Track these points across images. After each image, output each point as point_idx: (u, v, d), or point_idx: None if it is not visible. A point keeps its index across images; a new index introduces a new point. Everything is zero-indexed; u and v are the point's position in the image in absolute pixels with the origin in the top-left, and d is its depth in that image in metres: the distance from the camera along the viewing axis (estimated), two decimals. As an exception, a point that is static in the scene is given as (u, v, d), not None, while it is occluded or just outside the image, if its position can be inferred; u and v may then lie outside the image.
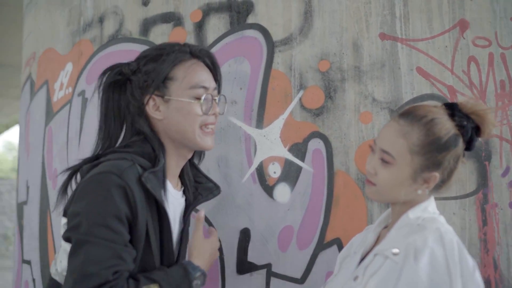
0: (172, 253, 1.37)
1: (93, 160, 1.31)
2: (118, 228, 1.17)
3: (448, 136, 1.18)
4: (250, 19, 1.92)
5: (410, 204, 1.23)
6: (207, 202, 1.79)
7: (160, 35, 2.07)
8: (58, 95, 2.42)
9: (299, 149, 1.80)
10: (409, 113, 1.23)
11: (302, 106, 1.82)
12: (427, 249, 1.09)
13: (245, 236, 1.82)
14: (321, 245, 1.74)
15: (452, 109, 1.22)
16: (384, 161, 1.21)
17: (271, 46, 1.88)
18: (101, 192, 1.18)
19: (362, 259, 1.26)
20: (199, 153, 1.58)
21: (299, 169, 1.79)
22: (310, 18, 1.85)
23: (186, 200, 1.49)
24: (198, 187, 1.52)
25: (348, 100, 1.78)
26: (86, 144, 2.20)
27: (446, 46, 1.77)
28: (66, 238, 1.22)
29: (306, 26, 1.85)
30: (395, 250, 1.13)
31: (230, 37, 1.94)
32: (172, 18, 2.05)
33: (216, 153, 1.89)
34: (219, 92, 1.49)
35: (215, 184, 1.57)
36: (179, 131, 1.35)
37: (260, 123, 1.85)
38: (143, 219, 1.23)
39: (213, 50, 1.95)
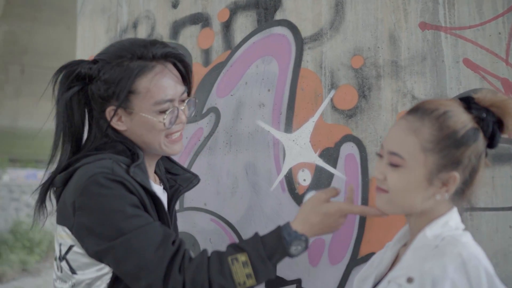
0: None
1: (65, 169, 1.26)
2: (140, 212, 1.15)
3: (466, 130, 1.00)
4: (278, 15, 1.80)
5: (428, 217, 1.05)
6: (235, 213, 1.70)
7: (189, 37, 2.00)
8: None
9: (330, 155, 1.65)
10: (418, 108, 1.06)
11: (333, 107, 1.67)
12: (446, 280, 0.91)
13: (274, 248, 1.70)
14: (355, 260, 1.58)
15: (468, 102, 1.04)
16: (393, 164, 1.03)
17: (300, 43, 1.74)
18: (104, 192, 1.14)
19: (377, 283, 1.09)
20: None
21: (330, 176, 1.64)
22: (342, 10, 1.69)
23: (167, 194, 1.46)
24: (176, 179, 1.48)
25: (384, 99, 1.61)
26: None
27: (500, 33, 1.53)
28: (95, 254, 1.17)
29: (338, 20, 1.69)
30: (410, 277, 0.97)
31: (258, 35, 1.83)
32: (200, 19, 1.97)
33: (244, 160, 1.79)
34: (189, 94, 1.40)
35: (192, 173, 1.52)
36: (144, 142, 1.31)
37: (289, 127, 1.72)
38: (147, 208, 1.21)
39: (241, 50, 1.85)
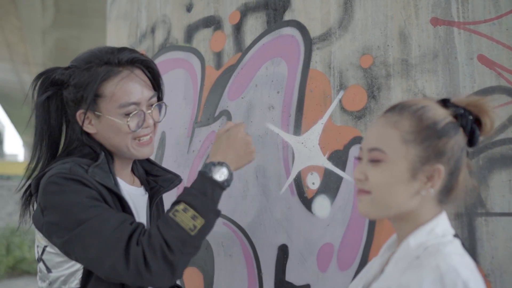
0: None
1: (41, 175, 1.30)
2: (97, 203, 1.18)
3: (446, 122, 0.96)
4: (287, 16, 1.76)
5: (414, 222, 0.98)
6: (245, 217, 1.69)
7: (202, 40, 2.00)
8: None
9: (339, 157, 1.60)
10: (396, 106, 1.02)
11: (342, 108, 1.62)
12: None
13: (283, 253, 1.67)
14: (364, 266, 1.52)
15: (445, 101, 1.00)
16: (374, 161, 0.98)
17: (309, 43, 1.70)
18: (62, 189, 1.18)
19: None
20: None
21: (339, 179, 1.59)
22: (351, 8, 1.64)
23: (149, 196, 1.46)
24: (157, 180, 1.48)
25: (395, 99, 1.54)
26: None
27: (517, 27, 1.44)
28: (63, 248, 1.21)
29: (346, 18, 1.64)
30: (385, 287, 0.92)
31: (267, 37, 1.80)
32: (213, 22, 1.97)
33: (254, 163, 1.77)
34: (160, 99, 1.42)
35: (174, 174, 1.54)
36: (113, 145, 1.34)
37: (298, 129, 1.69)
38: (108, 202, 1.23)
39: (251, 53, 1.83)
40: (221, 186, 1.25)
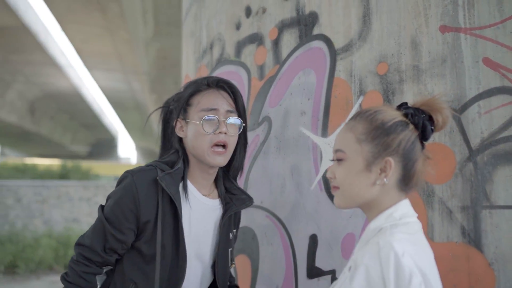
0: (180, 247, 1.53)
1: None
2: (117, 215, 1.49)
3: (394, 121, 1.14)
4: (316, 30, 1.97)
5: (377, 209, 1.16)
6: (283, 210, 1.93)
7: (248, 55, 2.27)
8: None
9: (359, 156, 1.78)
10: (355, 114, 1.22)
11: (362, 112, 1.79)
12: (361, 266, 1.04)
13: (313, 242, 1.89)
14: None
15: (401, 105, 1.18)
16: (339, 160, 1.18)
17: (334, 54, 1.89)
18: (119, 183, 1.54)
19: None
20: (236, 168, 1.71)
21: (359, 176, 1.77)
22: (369, 21, 1.81)
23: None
24: (232, 198, 1.67)
25: (407, 103, 1.69)
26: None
27: (521, 29, 1.52)
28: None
29: (365, 30, 1.82)
30: (350, 265, 1.11)
31: (299, 50, 2.02)
32: (256, 39, 2.23)
33: (290, 163, 2.00)
34: (241, 117, 1.62)
35: (248, 195, 1.70)
36: (194, 148, 1.56)
37: (325, 131, 1.89)
38: (147, 212, 1.49)
39: (286, 64, 2.06)
40: None
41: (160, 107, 1.69)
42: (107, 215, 1.50)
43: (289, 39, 2.07)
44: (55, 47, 15.00)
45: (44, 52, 14.19)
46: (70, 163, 15.21)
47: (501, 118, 1.53)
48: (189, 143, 1.59)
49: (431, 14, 1.67)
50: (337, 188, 1.20)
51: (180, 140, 1.62)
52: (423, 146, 1.18)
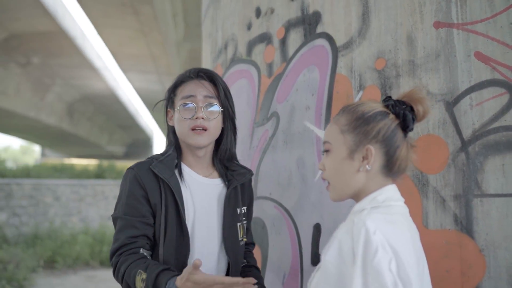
0: (183, 225, 1.63)
1: None
2: (134, 204, 1.61)
3: (374, 112, 1.22)
4: (319, 29, 2.06)
5: (365, 196, 1.24)
6: (290, 201, 2.03)
7: (258, 54, 2.37)
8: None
9: (359, 148, 1.86)
10: (341, 108, 1.31)
11: (362, 106, 1.87)
12: (335, 240, 1.13)
13: (317, 231, 1.98)
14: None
15: (384, 99, 1.27)
16: (326, 151, 1.27)
17: (335, 51, 1.98)
18: (123, 181, 1.67)
19: None
20: (223, 151, 1.79)
21: (359, 167, 1.85)
22: (368, 18, 1.88)
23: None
24: (233, 174, 1.78)
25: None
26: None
27: (511, 23, 1.57)
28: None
29: (364, 27, 1.89)
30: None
31: (304, 48, 2.11)
32: (265, 38, 2.33)
33: (295, 156, 2.10)
34: (221, 102, 1.72)
35: (247, 169, 1.83)
36: (179, 133, 1.71)
37: (327, 125, 1.98)
38: (154, 196, 1.62)
39: (293, 62, 2.16)
40: None
41: (162, 100, 1.82)
42: (126, 211, 1.62)
43: (295, 37, 2.16)
44: (92, 51, 15.49)
45: (81, 56, 14.69)
46: (105, 163, 15.66)
47: (492, 110, 1.58)
48: (176, 130, 1.72)
49: (426, 11, 1.73)
50: (329, 183, 1.29)
51: (174, 129, 1.75)
52: (405, 134, 1.25)
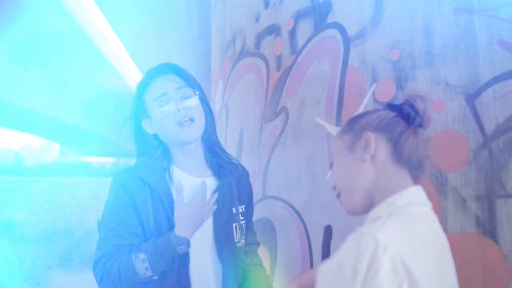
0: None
1: None
2: (120, 213, 1.51)
3: (368, 110, 1.17)
4: (330, 19, 1.94)
5: (382, 195, 1.07)
6: (299, 201, 1.93)
7: (267, 46, 2.26)
8: (216, 107, 2.87)
9: (372, 145, 1.74)
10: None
11: (375, 99, 1.75)
12: (338, 251, 1.00)
13: (328, 233, 1.86)
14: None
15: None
16: (332, 164, 1.18)
17: (347, 42, 1.86)
18: (110, 189, 1.57)
19: None
20: (205, 140, 1.69)
21: (372, 165, 1.73)
22: (381, 6, 1.76)
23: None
24: (225, 172, 1.68)
25: (420, 88, 1.64)
26: (230, 148, 2.55)
27: (539, 8, 1.44)
28: None
29: (377, 16, 1.77)
30: None
31: (314, 39, 2.00)
32: (274, 30, 2.22)
33: (305, 153, 1.98)
34: (193, 87, 1.61)
35: (235, 165, 1.71)
36: (166, 136, 1.59)
37: (339, 120, 1.86)
38: (141, 204, 1.52)
39: (302, 54, 2.05)
40: (178, 253, 1.49)
41: (128, 118, 1.68)
42: (113, 218, 1.52)
43: (305, 28, 2.05)
44: (109, 50, 15.54)
45: (99, 55, 14.74)
46: (122, 161, 15.69)
47: (516, 103, 1.46)
48: (161, 135, 1.61)
49: (444, -4, 1.61)
50: (339, 195, 1.16)
51: (156, 136, 1.64)
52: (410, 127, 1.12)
